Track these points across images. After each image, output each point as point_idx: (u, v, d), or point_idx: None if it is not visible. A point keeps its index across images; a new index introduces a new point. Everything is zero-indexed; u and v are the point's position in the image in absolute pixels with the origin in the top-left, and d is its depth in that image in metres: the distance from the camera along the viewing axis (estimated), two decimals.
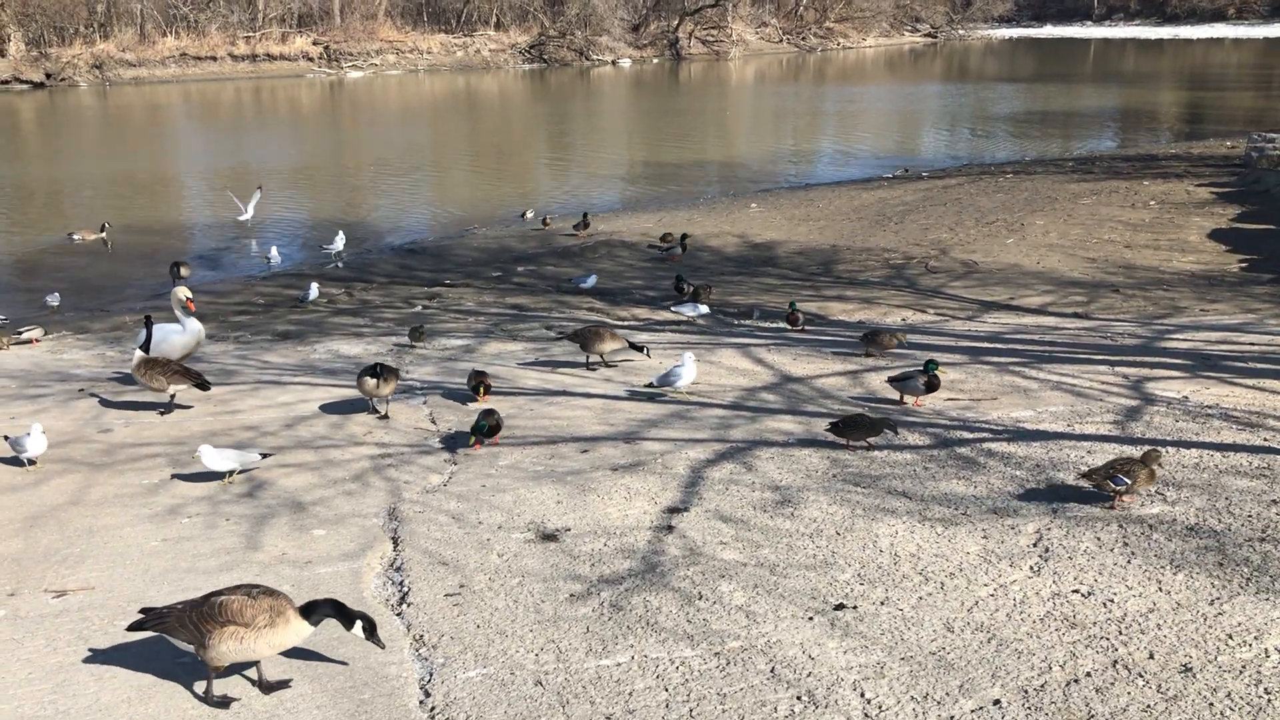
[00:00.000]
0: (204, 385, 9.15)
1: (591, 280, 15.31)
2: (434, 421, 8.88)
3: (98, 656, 5.17)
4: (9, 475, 7.72)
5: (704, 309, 13.18)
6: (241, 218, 20.94)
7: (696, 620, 5.37)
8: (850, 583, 5.72)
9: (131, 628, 4.92)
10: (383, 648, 4.97)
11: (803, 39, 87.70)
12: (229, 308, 15.12)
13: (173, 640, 4.85)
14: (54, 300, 15.41)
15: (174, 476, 7.62)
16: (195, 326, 10.12)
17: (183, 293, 10.01)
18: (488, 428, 7.88)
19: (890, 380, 9.14)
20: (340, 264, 18.02)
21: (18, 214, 24.20)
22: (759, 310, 13.58)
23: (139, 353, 9.39)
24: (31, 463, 7.89)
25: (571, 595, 5.71)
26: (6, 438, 7.99)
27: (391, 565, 6.14)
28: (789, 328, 12.17)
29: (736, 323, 13.12)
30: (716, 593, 5.65)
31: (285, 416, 9.07)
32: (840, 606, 5.44)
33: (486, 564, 6.08)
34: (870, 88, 58.09)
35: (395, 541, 6.44)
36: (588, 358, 10.51)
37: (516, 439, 8.30)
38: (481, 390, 9.10)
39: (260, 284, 16.79)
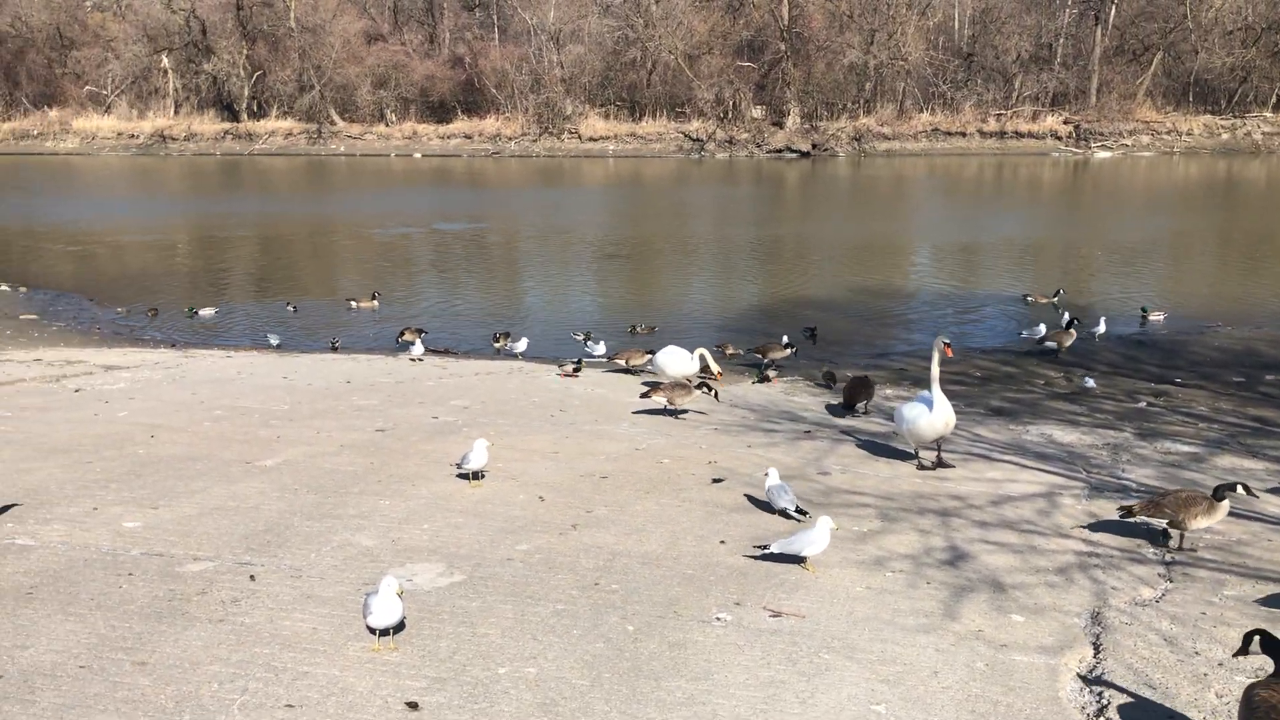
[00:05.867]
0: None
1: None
2: (1149, 530, 8.25)
3: (804, 681, 5.62)
4: (738, 498, 8.78)
5: None
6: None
7: None
8: None
9: None
10: None
11: None
12: (947, 376, 15.51)
13: None
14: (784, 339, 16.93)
15: (882, 529, 8.04)
16: (943, 410, 9.69)
17: (937, 355, 9.93)
18: None
19: None
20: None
21: (772, 268, 27.44)
22: None
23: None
24: (477, 476, 8.91)
25: None
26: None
27: (1091, 672, 5.80)
28: None
29: None
30: None
31: (992, 493, 9.10)
32: None
33: (1202, 701, 5.47)
34: None
35: (1096, 648, 6.08)
36: None
37: (1248, 570, 7.36)
38: None
39: (979, 358, 17.01)
